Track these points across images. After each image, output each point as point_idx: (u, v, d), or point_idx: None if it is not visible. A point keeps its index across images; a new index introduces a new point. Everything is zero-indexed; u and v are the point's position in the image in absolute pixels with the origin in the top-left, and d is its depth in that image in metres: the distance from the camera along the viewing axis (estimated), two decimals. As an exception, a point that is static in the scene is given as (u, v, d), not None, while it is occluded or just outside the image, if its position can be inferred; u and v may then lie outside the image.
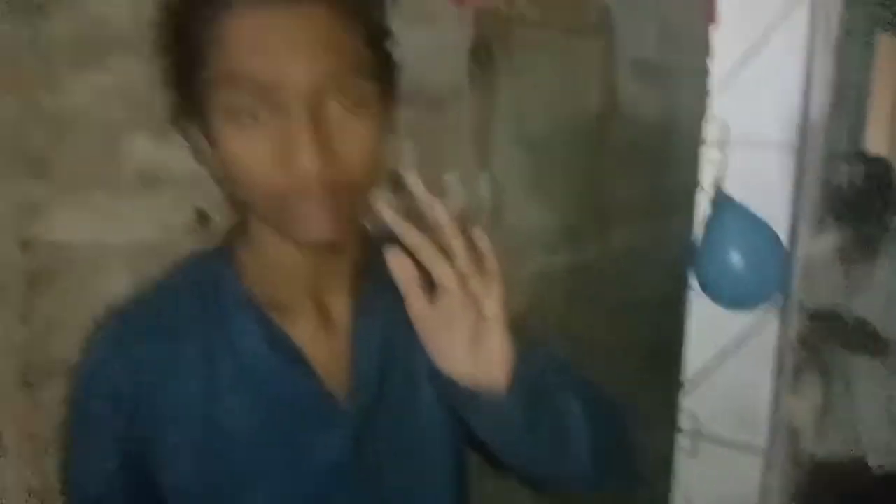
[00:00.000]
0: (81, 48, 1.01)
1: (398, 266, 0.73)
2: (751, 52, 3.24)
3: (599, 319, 2.01)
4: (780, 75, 3.33)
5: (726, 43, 2.39)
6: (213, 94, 0.72)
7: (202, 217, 1.15)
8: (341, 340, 0.86)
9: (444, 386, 0.76)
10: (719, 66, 2.38)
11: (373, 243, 0.85)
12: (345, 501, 0.83)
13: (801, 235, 3.49)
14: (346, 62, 0.71)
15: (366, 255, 0.86)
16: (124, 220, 1.08)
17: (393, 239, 0.73)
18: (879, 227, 2.52)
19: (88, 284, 1.08)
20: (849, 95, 3.41)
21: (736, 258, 2.29)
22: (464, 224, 0.74)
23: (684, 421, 2.75)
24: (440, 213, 0.73)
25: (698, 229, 2.37)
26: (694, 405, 3.12)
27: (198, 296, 0.85)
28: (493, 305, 0.74)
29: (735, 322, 3.16)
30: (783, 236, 3.16)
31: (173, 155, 1.11)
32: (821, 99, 3.51)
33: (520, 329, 0.77)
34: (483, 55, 1.45)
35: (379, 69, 0.76)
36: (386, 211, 0.72)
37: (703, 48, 2.18)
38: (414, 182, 0.72)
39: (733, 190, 2.40)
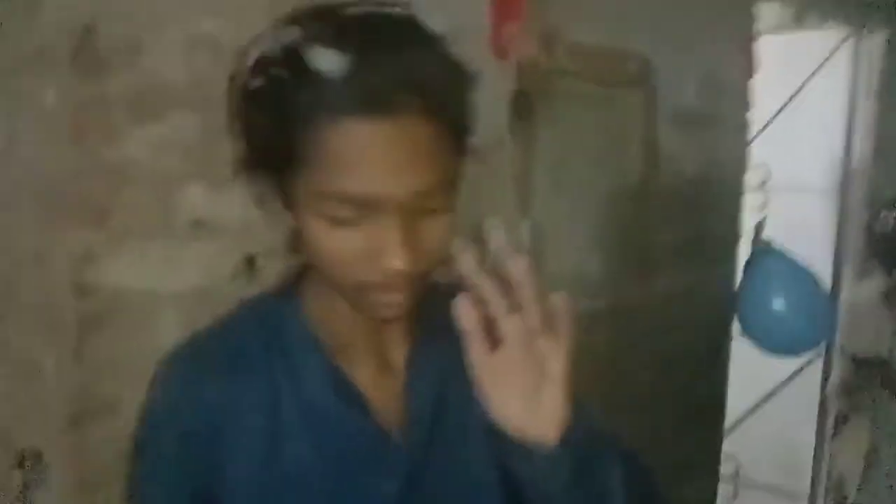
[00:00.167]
0: (140, 103, 1.06)
1: (465, 314, 0.74)
2: (792, 99, 3.24)
3: (641, 365, 2.00)
4: (821, 122, 3.32)
5: (768, 90, 2.39)
6: (306, 193, 0.73)
7: (250, 263, 1.19)
8: (397, 383, 0.87)
9: (493, 433, 0.77)
10: (761, 112, 2.38)
11: (429, 290, 0.87)
12: None
13: (844, 281, 3.45)
14: (440, 172, 0.73)
15: (423, 301, 0.89)
16: (176, 266, 1.12)
17: (454, 286, 0.75)
18: (925, 272, 2.49)
19: (140, 328, 1.11)
20: (891, 141, 3.39)
21: (779, 304, 2.26)
22: (538, 280, 0.75)
23: (725, 466, 2.71)
24: (520, 267, 0.75)
25: (740, 275, 2.36)
26: (735, 450, 3.07)
27: (263, 336, 0.85)
28: (558, 366, 0.75)
29: (777, 368, 3.12)
30: (826, 282, 3.13)
31: (224, 203, 1.15)
32: (863, 145, 3.49)
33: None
34: (524, 106, 1.48)
35: (460, 162, 0.79)
36: (466, 263, 0.74)
37: (744, 98, 2.19)
38: (494, 235, 0.74)
39: (775, 236, 2.39)
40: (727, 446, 2.59)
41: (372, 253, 0.73)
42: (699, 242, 2.20)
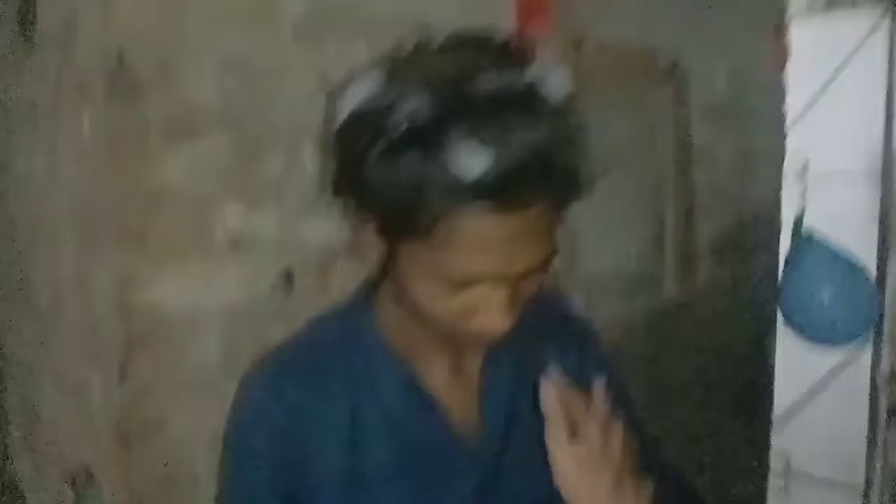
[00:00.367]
0: (175, 125, 1.08)
1: (550, 398, 0.80)
2: (828, 85, 3.18)
3: (686, 362, 1.98)
4: (859, 106, 3.25)
5: (803, 77, 2.35)
6: (415, 259, 0.74)
7: (288, 278, 1.20)
8: (472, 389, 0.91)
9: None
10: (796, 100, 2.35)
11: None
12: None
13: (890, 267, 3.38)
14: (552, 246, 0.75)
15: None
16: (215, 284, 1.14)
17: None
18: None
19: (182, 347, 1.13)
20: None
21: (823, 295, 2.23)
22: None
23: (775, 460, 2.67)
24: (598, 392, 0.81)
25: (782, 266, 2.33)
26: (785, 444, 3.02)
27: (342, 346, 0.89)
28: (629, 459, 0.81)
29: (825, 358, 3.07)
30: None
31: (259, 221, 1.16)
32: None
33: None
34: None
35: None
36: (550, 398, 0.80)
37: (779, 87, 2.16)
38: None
39: (817, 225, 2.35)
40: (776, 440, 2.55)
41: (473, 311, 0.76)
42: (740, 235, 2.17)
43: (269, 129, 1.17)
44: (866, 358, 3.11)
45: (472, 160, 0.66)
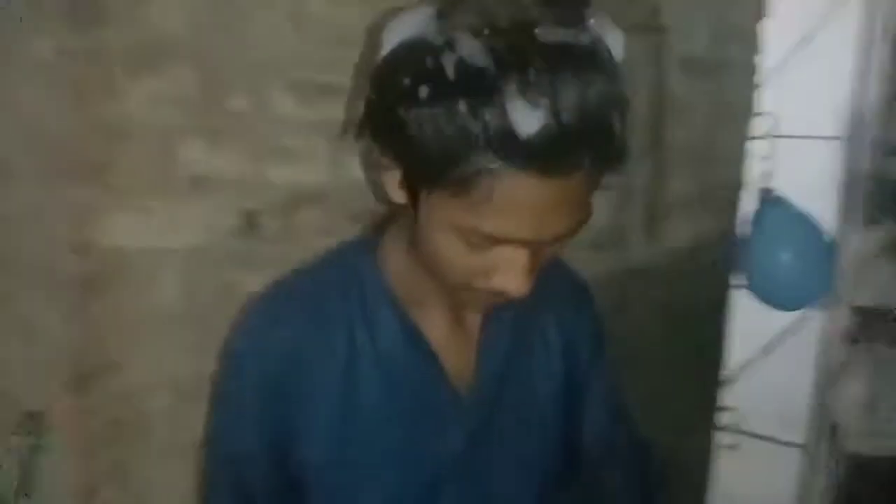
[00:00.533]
0: (138, 57, 1.02)
1: None
2: (801, 45, 3.18)
3: (647, 317, 1.99)
4: (831, 67, 3.25)
5: (777, 35, 2.33)
6: (443, 213, 0.71)
7: (251, 220, 1.17)
8: (470, 340, 0.91)
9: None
10: (769, 58, 2.33)
11: None
12: (453, 490, 0.88)
13: (849, 231, 3.42)
14: (584, 214, 0.73)
15: None
16: (176, 224, 1.10)
17: None
18: (931, 224, 2.46)
19: (140, 287, 1.10)
20: (902, 88, 3.33)
21: (784, 258, 2.24)
22: None
23: (725, 417, 2.72)
24: None
25: (745, 226, 2.34)
26: (735, 401, 3.09)
27: (343, 286, 0.88)
28: None
29: (778, 319, 3.12)
30: (832, 232, 3.10)
31: (223, 160, 1.12)
32: (875, 90, 3.43)
33: None
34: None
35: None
36: None
37: (753, 43, 2.13)
38: None
39: (782, 186, 2.36)
40: (726, 398, 2.60)
41: (493, 270, 0.74)
42: (708, 192, 2.17)
43: (237, 64, 1.12)
44: (819, 318, 3.17)
45: (528, 118, 0.63)
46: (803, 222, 2.35)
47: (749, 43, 2.23)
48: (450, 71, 0.64)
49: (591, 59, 0.66)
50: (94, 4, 0.99)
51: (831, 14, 2.93)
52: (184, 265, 1.12)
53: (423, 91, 0.65)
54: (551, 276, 0.81)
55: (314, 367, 0.84)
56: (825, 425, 3.23)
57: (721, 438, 2.62)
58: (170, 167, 1.08)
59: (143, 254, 1.08)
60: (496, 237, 0.70)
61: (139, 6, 1.02)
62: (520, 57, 0.63)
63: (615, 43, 0.70)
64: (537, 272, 0.75)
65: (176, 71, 1.05)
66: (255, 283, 1.18)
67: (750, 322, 2.66)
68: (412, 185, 0.72)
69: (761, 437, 3.31)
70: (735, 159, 2.30)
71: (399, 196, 0.75)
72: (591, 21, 0.69)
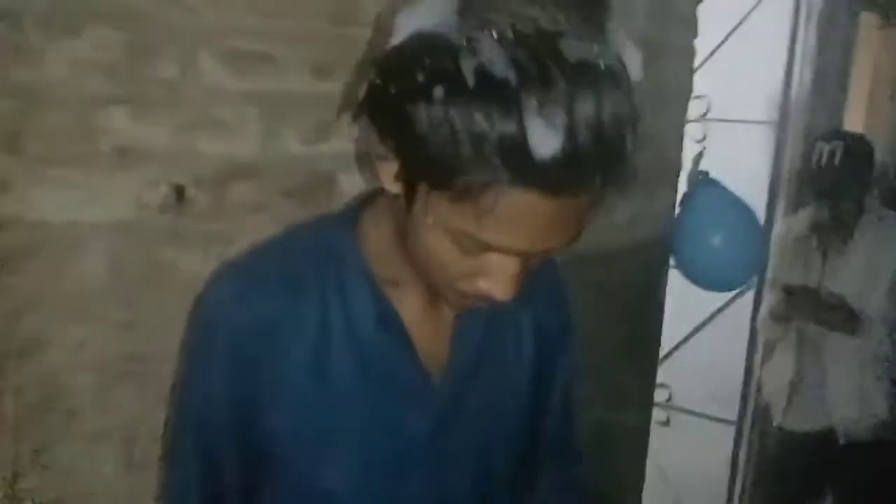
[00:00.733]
0: (57, 16, 0.97)
1: None
2: (735, 31, 3.24)
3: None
4: (763, 54, 3.33)
5: (711, 21, 2.37)
6: (440, 213, 0.69)
7: (180, 194, 1.12)
8: (445, 325, 0.90)
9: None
10: (704, 43, 2.36)
11: None
12: (419, 474, 0.87)
13: (778, 212, 3.52)
14: (581, 229, 0.72)
15: None
16: (100, 196, 1.05)
17: None
18: (856, 205, 2.53)
19: (62, 263, 1.05)
20: (830, 74, 3.43)
21: (714, 240, 2.27)
22: None
23: (658, 394, 2.78)
24: None
25: (678, 208, 2.37)
26: (668, 379, 3.15)
27: (317, 260, 0.86)
28: None
29: (712, 298, 3.19)
30: (761, 212, 3.18)
31: (150, 129, 1.08)
32: (802, 76, 3.52)
33: None
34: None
35: None
36: None
37: (691, 26, 2.16)
38: None
39: (714, 168, 2.40)
40: (661, 375, 2.65)
41: (481, 274, 0.73)
42: (644, 173, 2.19)
43: (164, 29, 1.07)
44: (750, 298, 3.25)
45: (545, 139, 0.61)
46: (734, 204, 2.39)
47: (686, 25, 2.26)
48: (468, 76, 0.62)
49: (611, 79, 0.64)
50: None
51: (764, 1, 2.99)
52: (109, 241, 1.07)
53: (438, 92, 0.63)
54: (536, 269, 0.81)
55: (285, 338, 0.83)
56: (755, 402, 3.32)
57: (656, 414, 2.68)
58: (92, 137, 1.03)
59: (64, 228, 1.03)
60: (493, 246, 0.69)
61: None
62: (542, 72, 0.61)
63: (633, 61, 0.68)
64: (524, 277, 0.75)
65: (98, 32, 1.00)
66: (184, 260, 1.15)
67: (684, 301, 2.71)
68: (410, 181, 0.70)
69: (694, 414, 3.40)
70: (673, 140, 2.33)
71: (393, 187, 0.73)
72: (612, 35, 0.67)
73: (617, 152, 0.65)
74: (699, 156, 2.43)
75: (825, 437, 2.59)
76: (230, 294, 0.85)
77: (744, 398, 3.46)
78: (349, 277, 0.85)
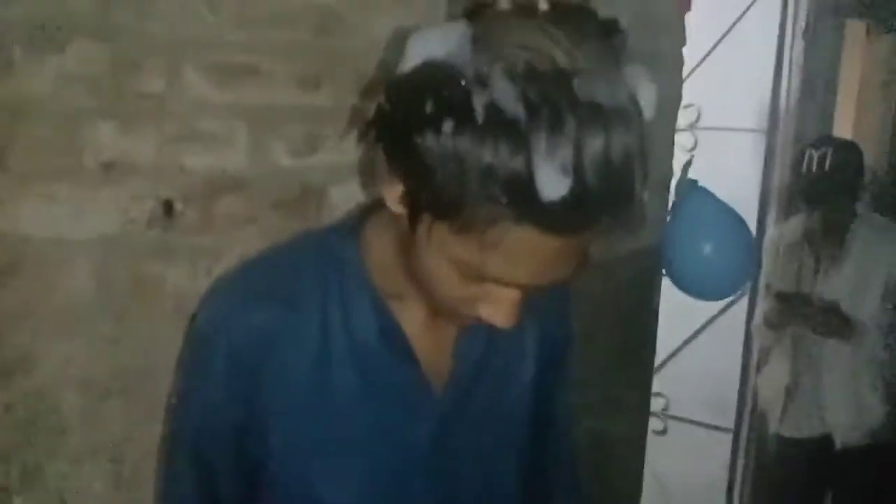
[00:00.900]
0: (41, 30, 0.97)
1: None
2: (723, 40, 3.25)
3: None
4: (752, 61, 3.34)
5: (699, 30, 2.38)
6: (444, 242, 0.69)
7: (167, 209, 1.12)
8: (447, 336, 0.89)
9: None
10: (693, 51, 2.37)
11: None
12: (421, 486, 0.86)
13: (770, 219, 3.52)
14: (583, 263, 0.72)
15: None
16: (86, 212, 1.05)
17: None
18: (848, 211, 2.54)
19: (48, 280, 1.04)
20: (817, 80, 3.44)
21: (703, 250, 2.27)
22: None
23: (654, 403, 2.77)
24: None
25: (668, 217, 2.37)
26: (664, 387, 3.15)
27: (319, 271, 0.85)
28: None
29: (705, 305, 3.19)
30: (753, 220, 3.18)
31: (136, 143, 1.07)
32: (791, 84, 3.54)
33: None
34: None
35: None
36: None
37: (679, 35, 2.16)
38: None
39: (705, 176, 2.40)
40: (657, 384, 2.64)
41: (482, 301, 0.73)
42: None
43: (148, 43, 1.07)
44: (744, 305, 3.25)
45: (554, 182, 0.61)
46: (723, 212, 2.39)
47: (673, 35, 2.27)
48: (479, 112, 0.61)
49: (623, 121, 0.63)
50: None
51: (751, 10, 3.01)
52: (96, 256, 1.07)
53: (448, 125, 0.62)
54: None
55: (285, 350, 0.82)
56: (751, 409, 3.31)
57: (652, 423, 2.67)
58: (78, 152, 1.02)
59: (50, 244, 1.02)
60: (498, 280, 0.69)
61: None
62: (554, 113, 0.61)
63: (647, 97, 0.67)
64: (526, 304, 0.74)
65: (82, 46, 0.99)
66: (172, 274, 1.14)
67: (678, 310, 2.71)
68: (414, 206, 0.70)
69: (691, 422, 3.39)
70: (663, 149, 2.34)
71: (397, 208, 0.72)
72: (627, 69, 0.66)
73: (625, 194, 0.64)
74: (688, 164, 2.44)
75: (822, 444, 2.58)
76: (227, 307, 0.84)
77: (740, 406, 3.46)
78: (351, 289, 0.84)
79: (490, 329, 0.87)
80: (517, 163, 0.61)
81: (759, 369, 2.97)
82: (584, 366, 1.16)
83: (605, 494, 2.07)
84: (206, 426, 0.85)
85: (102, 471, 1.11)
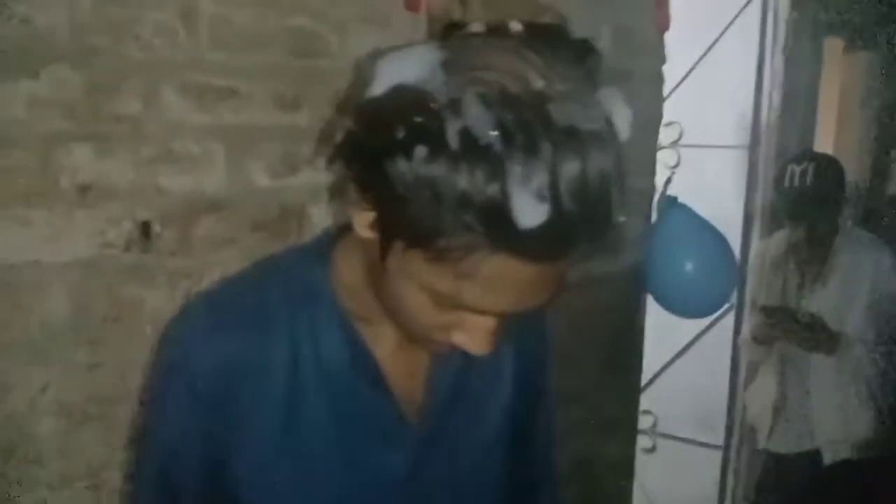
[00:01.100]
0: (15, 54, 0.96)
1: None
2: (703, 58, 3.28)
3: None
4: (732, 78, 3.37)
5: (679, 49, 2.39)
6: (418, 270, 0.67)
7: (145, 231, 1.11)
8: (420, 362, 0.86)
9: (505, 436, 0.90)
10: (673, 69, 2.38)
11: None
12: None
13: (753, 235, 3.54)
14: (560, 289, 0.70)
15: None
16: (62, 235, 1.04)
17: None
18: (831, 225, 2.55)
19: (24, 304, 1.03)
20: (799, 96, 3.47)
21: (685, 267, 2.25)
22: None
23: (643, 420, 2.76)
24: None
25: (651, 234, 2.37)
26: (652, 405, 3.13)
27: (287, 296, 0.82)
28: None
29: (691, 322, 3.18)
30: (737, 236, 3.19)
31: (112, 167, 1.07)
32: (771, 100, 3.57)
33: None
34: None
35: None
36: None
37: (659, 53, 2.18)
38: None
39: (688, 193, 2.40)
40: (645, 402, 2.63)
41: (456, 328, 0.71)
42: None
43: (124, 64, 1.06)
44: (730, 321, 3.25)
45: (530, 210, 0.59)
46: (704, 230, 2.39)
47: (652, 53, 2.28)
48: (452, 139, 0.59)
49: (599, 145, 0.61)
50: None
51: (731, 27, 3.03)
52: (72, 280, 1.06)
53: (420, 152, 0.60)
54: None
55: (254, 380, 0.80)
56: (740, 425, 3.30)
57: (641, 441, 2.66)
58: (53, 176, 1.02)
59: (26, 268, 1.01)
60: (473, 308, 0.67)
61: (15, 1, 0.96)
62: (529, 139, 0.59)
63: (622, 121, 0.66)
64: (502, 330, 0.73)
65: (57, 73, 0.99)
66: (151, 297, 1.13)
67: (664, 326, 2.71)
68: (386, 233, 0.68)
69: (680, 439, 3.37)
70: (644, 166, 2.34)
71: (367, 234, 0.70)
72: (602, 91, 0.65)
73: (603, 218, 0.63)
74: (668, 181, 2.44)
75: (811, 458, 2.57)
76: (193, 335, 0.82)
77: (729, 422, 3.45)
78: (321, 316, 0.82)
79: (465, 355, 0.86)
80: (492, 190, 0.59)
81: (746, 385, 2.96)
82: (572, 385, 1.15)
83: (594, 514, 2.06)
84: (172, 457, 0.83)
85: (80, 498, 1.09)
